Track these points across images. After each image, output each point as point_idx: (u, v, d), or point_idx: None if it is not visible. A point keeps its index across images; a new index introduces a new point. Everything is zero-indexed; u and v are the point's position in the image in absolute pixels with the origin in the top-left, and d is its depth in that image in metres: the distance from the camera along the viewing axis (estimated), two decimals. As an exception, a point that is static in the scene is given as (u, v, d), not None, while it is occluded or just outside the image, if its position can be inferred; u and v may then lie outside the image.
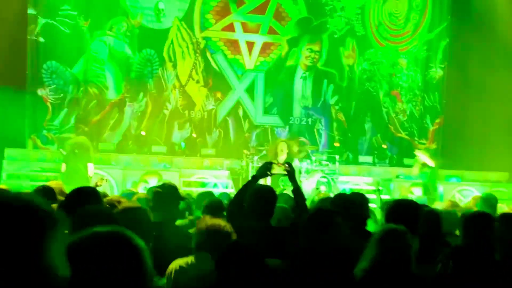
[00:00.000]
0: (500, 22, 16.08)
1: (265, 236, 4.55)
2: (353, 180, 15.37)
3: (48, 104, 15.44)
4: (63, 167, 12.34)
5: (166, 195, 5.01)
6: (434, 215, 5.05)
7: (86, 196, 4.27)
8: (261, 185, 5.43)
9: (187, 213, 6.27)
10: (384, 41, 17.54)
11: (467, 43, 16.33)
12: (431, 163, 13.23)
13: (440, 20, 17.74)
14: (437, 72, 17.72)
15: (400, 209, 4.64)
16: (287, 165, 5.48)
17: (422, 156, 13.57)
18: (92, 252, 1.83)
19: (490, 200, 7.84)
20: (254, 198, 4.95)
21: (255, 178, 5.30)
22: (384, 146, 16.96)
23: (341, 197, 5.51)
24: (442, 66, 17.68)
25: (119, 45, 15.90)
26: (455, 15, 17.26)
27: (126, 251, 1.86)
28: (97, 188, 5.34)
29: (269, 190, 5.15)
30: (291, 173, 5.41)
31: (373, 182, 14.53)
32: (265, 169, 5.35)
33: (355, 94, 17.37)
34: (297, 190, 5.26)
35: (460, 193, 14.32)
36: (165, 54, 16.28)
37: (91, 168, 12.28)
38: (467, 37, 16.28)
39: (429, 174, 13.50)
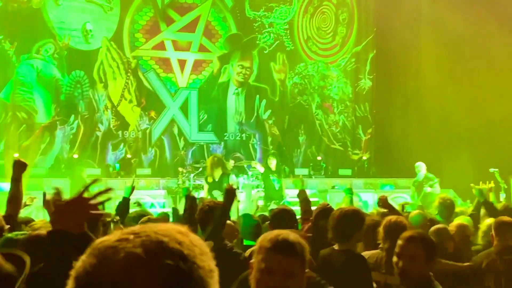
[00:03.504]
0: (423, 30, 16.59)
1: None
2: (290, 193, 15.44)
3: (-24, 131, 15.00)
4: None
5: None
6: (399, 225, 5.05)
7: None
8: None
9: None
10: (313, 55, 17.85)
11: (394, 54, 16.77)
12: (261, 169, 13.47)
13: (366, 32, 18.18)
14: (366, 83, 18.13)
15: (347, 217, 4.63)
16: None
17: (255, 164, 13.85)
18: None
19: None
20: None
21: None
22: (319, 158, 17.17)
23: None
24: (371, 77, 18.11)
25: (47, 68, 15.61)
26: (380, 26, 17.71)
27: None
28: (24, 209, 5.14)
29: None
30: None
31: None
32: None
33: (287, 108, 17.59)
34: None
35: (394, 200, 14.56)
36: (95, 75, 16.08)
37: None
38: (394, 48, 16.72)
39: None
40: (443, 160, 14.67)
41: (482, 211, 7.26)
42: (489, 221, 6.44)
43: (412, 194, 13.83)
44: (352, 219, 4.47)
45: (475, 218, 7.20)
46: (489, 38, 15.29)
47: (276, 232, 2.47)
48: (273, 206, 12.06)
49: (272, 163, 13.03)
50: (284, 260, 2.37)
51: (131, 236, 1.08)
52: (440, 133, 15.70)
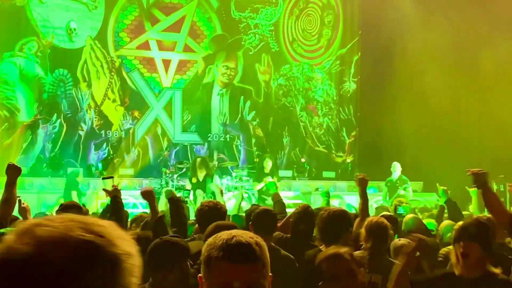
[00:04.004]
0: (407, 33, 16.65)
1: None
2: (284, 194, 15.38)
3: (-44, 129, 14.82)
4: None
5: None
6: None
7: None
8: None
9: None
10: (298, 56, 17.86)
11: (378, 56, 16.82)
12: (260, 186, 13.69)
13: (351, 35, 18.22)
14: (350, 86, 18.17)
15: (335, 218, 4.64)
16: None
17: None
18: None
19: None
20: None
21: None
22: (303, 160, 17.17)
23: None
24: (355, 80, 18.15)
25: (30, 66, 15.46)
26: (365, 29, 17.76)
27: None
28: None
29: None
30: None
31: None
32: None
33: (272, 109, 17.57)
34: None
35: (377, 203, 14.60)
36: (78, 74, 15.95)
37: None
38: (378, 51, 16.77)
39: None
40: (427, 164, 14.73)
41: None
42: (446, 222, 6.46)
43: (384, 194, 13.86)
44: (339, 221, 4.47)
45: (438, 219, 7.27)
46: (477, 41, 15.40)
47: (224, 235, 1.93)
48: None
49: (268, 164, 13.22)
50: (244, 269, 1.86)
51: (55, 218, 1.17)
52: (424, 137, 15.76)
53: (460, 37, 15.66)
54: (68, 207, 4.98)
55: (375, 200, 14.78)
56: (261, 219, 5.01)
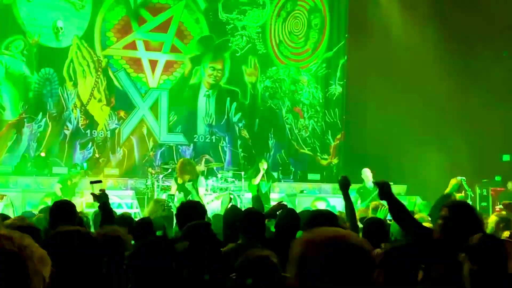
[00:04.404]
0: (394, 38, 16.77)
1: None
2: (274, 196, 15.40)
3: None
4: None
5: (61, 212, 4.88)
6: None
7: None
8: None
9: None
10: (285, 59, 17.91)
11: (365, 60, 16.91)
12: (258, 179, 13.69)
13: (338, 38, 18.29)
14: (336, 89, 18.24)
15: (318, 219, 4.67)
16: None
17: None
18: None
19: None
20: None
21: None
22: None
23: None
24: (341, 83, 18.23)
25: (16, 64, 15.40)
26: (352, 33, 17.84)
27: None
28: None
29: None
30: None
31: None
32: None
33: (258, 111, 17.60)
34: None
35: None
36: (65, 73, 15.91)
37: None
38: (365, 54, 16.86)
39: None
40: (411, 167, 14.84)
41: None
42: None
43: (356, 198, 13.54)
44: (324, 221, 4.53)
45: None
46: (465, 45, 15.54)
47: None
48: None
49: (264, 166, 13.30)
50: None
51: None
52: (409, 140, 15.87)
53: (448, 42, 15.79)
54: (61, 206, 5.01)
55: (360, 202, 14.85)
56: (248, 221, 5.06)
